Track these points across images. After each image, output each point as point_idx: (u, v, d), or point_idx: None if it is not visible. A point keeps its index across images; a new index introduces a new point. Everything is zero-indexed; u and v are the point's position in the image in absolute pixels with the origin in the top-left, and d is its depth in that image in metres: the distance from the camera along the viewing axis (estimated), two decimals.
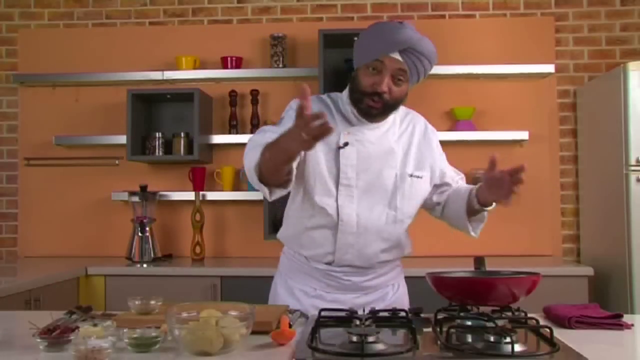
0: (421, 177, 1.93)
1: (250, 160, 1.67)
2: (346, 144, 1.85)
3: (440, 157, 2.03)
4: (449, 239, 3.57)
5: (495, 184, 1.78)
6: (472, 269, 1.78)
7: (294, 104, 1.89)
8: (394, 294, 2.01)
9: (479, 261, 1.79)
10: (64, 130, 3.82)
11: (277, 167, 1.62)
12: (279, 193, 1.72)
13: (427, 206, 2.03)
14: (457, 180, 2.05)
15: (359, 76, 1.84)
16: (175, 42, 3.84)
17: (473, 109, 3.65)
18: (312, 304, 1.89)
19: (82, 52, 3.88)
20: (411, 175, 1.91)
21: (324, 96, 1.99)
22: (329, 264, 1.91)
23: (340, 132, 1.86)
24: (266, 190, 1.69)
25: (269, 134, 1.69)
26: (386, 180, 1.88)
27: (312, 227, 1.90)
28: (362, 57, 1.83)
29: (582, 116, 3.68)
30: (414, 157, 1.93)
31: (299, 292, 1.96)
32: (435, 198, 2.01)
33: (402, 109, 1.99)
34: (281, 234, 2.05)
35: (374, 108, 1.82)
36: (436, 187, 2.01)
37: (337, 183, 1.85)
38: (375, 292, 1.97)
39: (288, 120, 1.72)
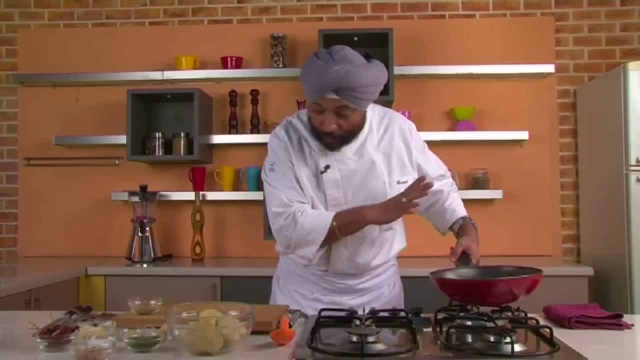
0: (406, 182, 1.90)
1: (313, 233, 1.79)
2: (327, 167, 1.85)
3: (422, 157, 2.00)
4: (449, 239, 3.57)
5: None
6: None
7: (275, 141, 1.91)
8: (390, 293, 2.02)
9: (463, 258, 1.80)
10: (64, 130, 3.82)
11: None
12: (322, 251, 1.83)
13: None
14: (442, 189, 2.03)
15: (310, 113, 1.84)
16: (175, 42, 3.84)
17: (473, 109, 3.65)
18: (310, 306, 1.91)
19: (82, 52, 3.88)
20: (398, 182, 1.89)
21: (294, 119, 1.96)
22: (324, 271, 1.94)
23: (317, 155, 1.87)
24: (315, 249, 1.81)
25: (284, 191, 1.83)
26: (375, 190, 1.87)
27: None
28: (306, 95, 1.82)
29: (582, 116, 3.68)
30: (397, 162, 1.91)
31: (297, 295, 1.98)
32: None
33: (377, 112, 1.96)
34: (277, 246, 2.05)
35: (331, 144, 1.82)
36: None
37: (326, 204, 1.86)
38: (371, 292, 1.98)
39: (281, 170, 1.86)
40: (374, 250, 1.92)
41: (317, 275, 1.95)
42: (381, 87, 1.81)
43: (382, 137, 1.92)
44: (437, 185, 2.00)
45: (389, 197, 1.86)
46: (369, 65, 1.77)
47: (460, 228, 1.98)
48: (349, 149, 1.86)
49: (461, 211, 2.04)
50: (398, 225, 1.98)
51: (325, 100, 1.75)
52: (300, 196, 1.84)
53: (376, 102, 3.83)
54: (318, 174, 1.86)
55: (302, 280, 1.98)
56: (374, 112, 1.94)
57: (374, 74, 1.76)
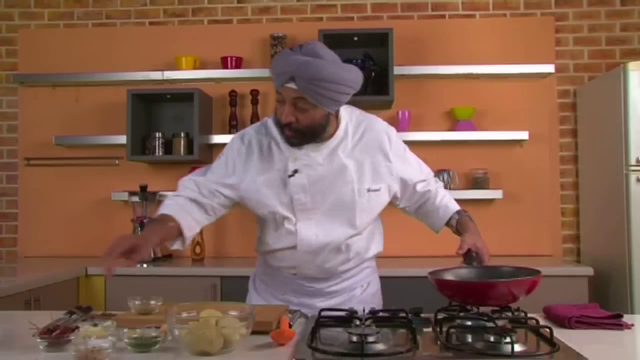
0: (379, 190, 1.89)
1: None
2: (295, 171, 1.83)
3: (403, 166, 1.95)
4: (448, 239, 3.57)
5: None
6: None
7: (236, 143, 1.92)
8: (362, 295, 2.01)
9: (468, 256, 1.80)
10: (64, 130, 3.82)
11: None
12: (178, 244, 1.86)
13: (393, 205, 2.03)
14: (428, 189, 2.01)
15: (276, 104, 1.83)
16: (175, 42, 3.84)
17: (473, 109, 3.65)
18: None
19: (82, 52, 3.88)
20: (369, 190, 1.87)
21: (270, 120, 1.93)
22: (293, 274, 1.96)
23: (287, 158, 1.85)
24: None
25: (189, 184, 1.90)
26: (344, 197, 1.85)
27: (275, 249, 1.93)
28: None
29: (582, 116, 3.69)
30: (370, 169, 1.87)
31: (269, 295, 2.01)
32: (402, 204, 2.02)
33: (355, 117, 1.92)
34: (256, 247, 2.07)
35: (290, 137, 1.80)
36: (403, 193, 1.98)
37: (293, 209, 1.85)
38: (341, 295, 1.97)
39: (222, 164, 1.90)
40: (341, 257, 1.91)
41: (287, 278, 1.97)
42: (350, 91, 1.74)
43: (357, 143, 1.88)
44: (420, 187, 1.99)
45: (357, 204, 1.85)
46: (337, 63, 1.73)
47: (458, 223, 1.97)
48: (320, 154, 1.83)
49: (454, 206, 2.02)
50: (366, 232, 1.95)
51: (284, 89, 1.73)
52: (200, 193, 1.88)
53: (376, 101, 3.86)
54: (286, 178, 1.84)
55: (274, 280, 2.01)
56: (351, 117, 1.91)
57: (339, 72, 1.70)
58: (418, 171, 2.01)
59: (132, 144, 3.57)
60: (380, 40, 3.54)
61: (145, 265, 3.40)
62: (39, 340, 1.42)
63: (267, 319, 1.57)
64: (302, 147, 1.82)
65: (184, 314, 1.45)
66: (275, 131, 1.88)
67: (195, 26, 3.89)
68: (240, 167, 1.89)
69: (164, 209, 1.84)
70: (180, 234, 1.82)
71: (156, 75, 3.70)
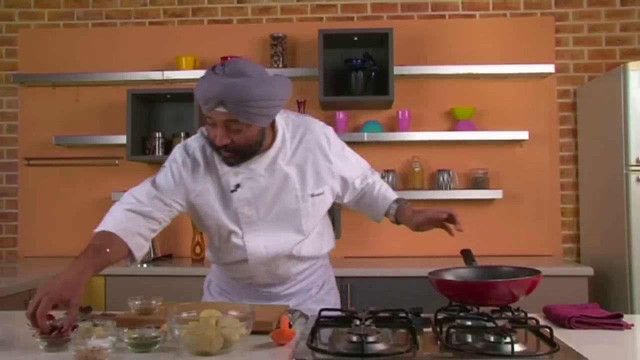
0: (322, 193, 1.88)
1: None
2: (237, 186, 1.82)
3: (343, 164, 1.93)
4: (448, 239, 3.57)
5: (434, 224, 1.91)
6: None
7: (178, 155, 1.87)
8: (318, 294, 2.02)
9: (467, 255, 1.80)
10: (64, 130, 3.82)
11: None
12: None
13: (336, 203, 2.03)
14: (366, 182, 2.01)
15: (207, 127, 1.77)
16: (175, 42, 3.84)
17: (473, 109, 3.65)
18: None
19: (82, 52, 3.88)
20: (312, 195, 1.86)
21: (205, 132, 1.86)
22: (248, 283, 1.97)
23: (229, 172, 1.82)
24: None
25: (131, 198, 1.81)
26: (288, 205, 1.85)
27: (227, 262, 1.95)
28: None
29: (582, 116, 3.68)
30: (312, 174, 1.86)
31: (225, 300, 2.01)
32: (344, 200, 2.02)
33: (291, 122, 1.89)
34: (208, 256, 2.07)
35: (228, 158, 1.77)
36: (344, 191, 1.98)
37: (239, 222, 1.85)
38: (298, 296, 1.98)
39: (168, 175, 1.82)
40: (293, 261, 1.92)
41: (242, 285, 1.98)
42: (281, 103, 1.71)
43: (297, 149, 1.86)
44: (359, 183, 2.00)
45: (302, 211, 1.85)
46: (264, 79, 1.67)
47: (398, 212, 1.96)
48: (260, 166, 1.81)
49: (392, 195, 2.01)
50: (315, 234, 1.94)
51: (214, 113, 1.67)
52: (147, 205, 1.80)
53: (376, 101, 3.84)
54: (230, 194, 1.82)
55: (229, 286, 2.02)
56: (287, 124, 1.87)
57: (267, 88, 1.66)
58: (357, 167, 2.01)
59: (132, 144, 3.57)
60: (380, 40, 3.54)
61: (145, 265, 3.40)
62: (38, 340, 1.42)
63: (267, 319, 1.57)
64: (237, 165, 1.78)
65: (184, 314, 1.45)
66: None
67: (195, 26, 3.89)
68: (187, 179, 1.83)
69: (108, 225, 1.74)
70: (128, 254, 1.75)
71: (156, 75, 3.70)
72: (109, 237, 1.71)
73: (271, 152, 1.82)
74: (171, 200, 1.82)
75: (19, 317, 1.87)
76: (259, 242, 1.86)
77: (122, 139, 3.61)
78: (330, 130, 1.95)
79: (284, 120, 1.87)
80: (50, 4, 3.96)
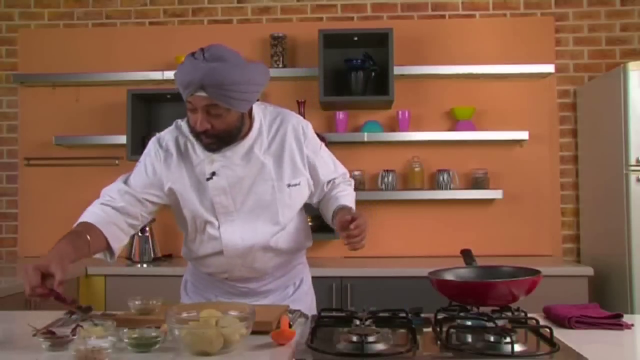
0: (299, 184, 1.88)
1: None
2: (213, 174, 1.81)
3: (315, 158, 1.92)
4: (448, 239, 3.57)
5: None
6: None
7: (151, 148, 1.90)
8: (295, 292, 2.01)
9: (467, 255, 1.80)
10: (64, 130, 3.82)
11: None
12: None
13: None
14: (331, 183, 1.98)
15: (187, 112, 1.78)
16: (175, 42, 3.84)
17: (473, 109, 3.65)
18: None
19: (82, 52, 3.88)
20: (289, 185, 1.86)
21: (184, 123, 1.88)
22: (225, 278, 1.95)
23: (204, 161, 1.82)
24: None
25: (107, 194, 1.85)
26: (264, 195, 1.84)
27: (202, 255, 1.92)
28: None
29: (582, 116, 3.69)
30: (289, 164, 1.86)
31: (202, 299, 2.00)
32: (314, 199, 2.00)
33: (269, 113, 1.91)
34: (183, 253, 2.05)
35: (209, 144, 1.77)
36: (315, 189, 1.96)
37: (214, 212, 1.84)
38: (275, 293, 1.98)
39: (142, 170, 1.87)
40: (269, 254, 1.90)
41: (219, 281, 1.96)
42: (260, 88, 1.75)
43: (273, 139, 1.86)
44: (328, 187, 1.97)
45: (278, 201, 1.84)
46: (243, 64, 1.71)
47: (334, 216, 1.88)
48: (236, 155, 1.81)
49: (344, 201, 1.92)
50: (292, 227, 1.92)
51: (195, 98, 1.69)
52: (125, 201, 1.82)
53: (375, 101, 3.85)
54: (206, 182, 1.82)
55: (207, 284, 2.01)
56: (265, 114, 1.88)
57: (246, 73, 1.69)
58: (332, 170, 1.99)
59: (132, 144, 3.57)
60: (380, 40, 3.54)
61: (145, 265, 3.40)
62: (41, 339, 1.42)
63: (267, 319, 1.57)
64: (219, 151, 1.79)
65: (184, 314, 1.45)
66: (189, 133, 1.84)
67: (195, 26, 3.89)
68: (161, 170, 1.85)
69: (85, 218, 1.79)
70: (106, 246, 1.77)
71: (156, 75, 3.70)
72: (86, 226, 1.77)
73: (247, 141, 1.82)
74: (143, 195, 1.84)
75: (19, 317, 1.87)
76: (235, 233, 1.84)
77: (122, 139, 3.61)
78: (308, 125, 1.94)
79: (261, 111, 1.89)
80: (50, 4, 3.96)
